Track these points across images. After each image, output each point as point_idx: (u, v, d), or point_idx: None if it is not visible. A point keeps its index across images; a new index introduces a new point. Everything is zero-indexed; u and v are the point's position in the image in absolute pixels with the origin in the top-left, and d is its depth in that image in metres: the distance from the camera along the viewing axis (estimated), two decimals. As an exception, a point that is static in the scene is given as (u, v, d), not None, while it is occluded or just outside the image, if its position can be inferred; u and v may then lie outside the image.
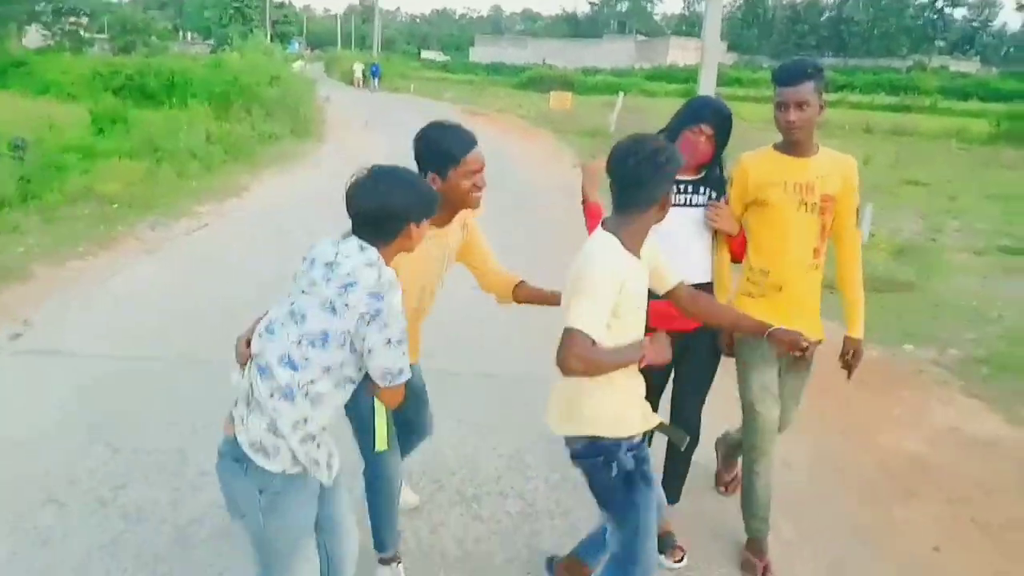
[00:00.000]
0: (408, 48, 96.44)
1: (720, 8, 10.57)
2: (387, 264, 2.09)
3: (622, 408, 2.31)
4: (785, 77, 2.79)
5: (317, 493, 2.19)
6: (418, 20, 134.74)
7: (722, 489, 3.66)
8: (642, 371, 2.39)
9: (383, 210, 2.08)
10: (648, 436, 2.63)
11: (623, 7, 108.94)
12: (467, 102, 31.28)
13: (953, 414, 4.62)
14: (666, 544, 3.08)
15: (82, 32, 51.44)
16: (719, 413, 3.40)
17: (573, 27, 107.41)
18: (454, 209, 2.56)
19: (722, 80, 49.39)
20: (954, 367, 5.30)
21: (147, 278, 6.67)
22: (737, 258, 3.10)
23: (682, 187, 2.94)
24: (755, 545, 3.11)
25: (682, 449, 2.92)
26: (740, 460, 3.30)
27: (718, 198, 3.01)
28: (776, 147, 2.94)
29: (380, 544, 2.78)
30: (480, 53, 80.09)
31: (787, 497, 3.42)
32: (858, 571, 3.15)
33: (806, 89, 2.75)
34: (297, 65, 29.10)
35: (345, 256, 2.05)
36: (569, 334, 2.11)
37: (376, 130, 19.57)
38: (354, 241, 2.08)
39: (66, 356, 4.86)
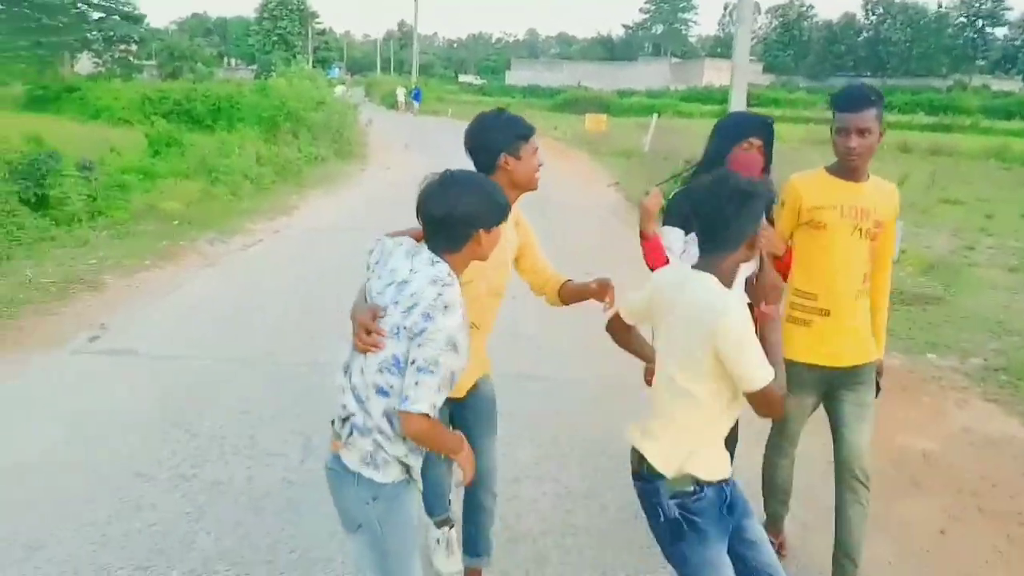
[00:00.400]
0: (445, 72, 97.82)
1: (750, 31, 10.89)
2: (459, 274, 2.05)
3: (674, 446, 2.16)
4: (847, 103, 2.75)
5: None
6: (455, 45, 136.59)
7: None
8: None
9: (452, 216, 2.01)
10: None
11: (658, 29, 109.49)
12: (504, 125, 31.77)
13: (969, 416, 4.84)
14: None
15: (131, 59, 53.54)
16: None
17: (608, 50, 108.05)
18: (520, 191, 2.61)
19: (758, 101, 49.51)
20: (974, 374, 5.51)
21: (209, 289, 7.18)
22: (784, 273, 3.00)
23: None
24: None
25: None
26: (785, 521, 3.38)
27: (767, 215, 2.92)
28: (829, 170, 2.90)
29: (428, 510, 3.11)
30: (516, 76, 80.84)
31: (806, 486, 3.69)
32: (870, 551, 3.42)
33: (868, 116, 2.72)
34: (339, 90, 29.88)
35: (414, 272, 2.01)
36: (769, 389, 2.04)
37: (416, 152, 20.15)
38: (425, 255, 2.04)
39: (140, 356, 5.33)
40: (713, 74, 67.78)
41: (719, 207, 2.12)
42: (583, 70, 78.31)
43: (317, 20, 79.03)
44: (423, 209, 2.05)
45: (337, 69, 75.94)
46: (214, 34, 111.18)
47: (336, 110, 20.88)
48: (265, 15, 76.55)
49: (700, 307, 2.09)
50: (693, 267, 2.21)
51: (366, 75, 79.67)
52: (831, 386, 3.00)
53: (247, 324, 6.09)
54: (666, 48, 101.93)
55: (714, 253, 2.15)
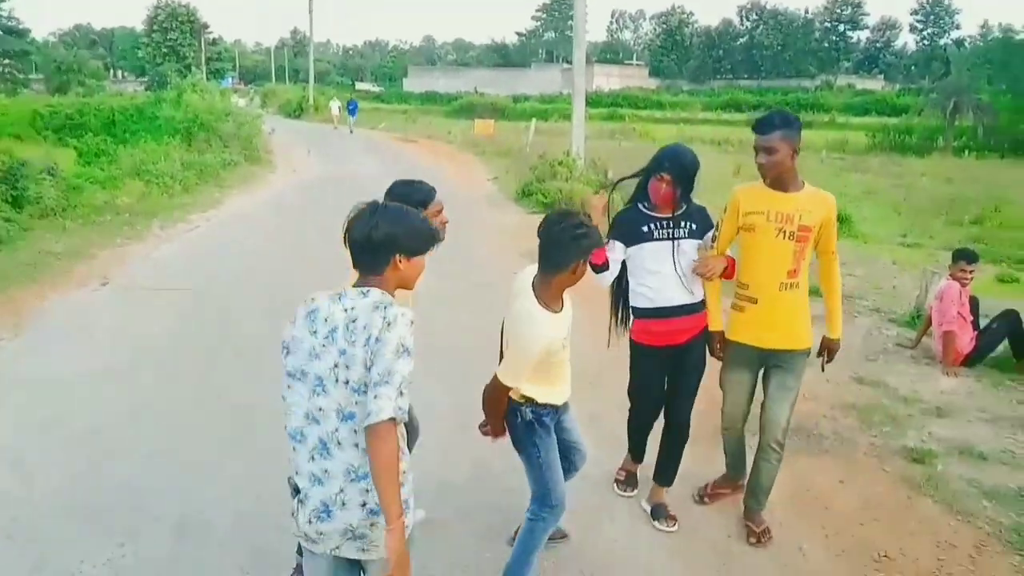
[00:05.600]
0: (342, 80, 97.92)
1: (585, 40, 13.50)
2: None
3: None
4: (757, 127, 3.29)
5: None
6: (351, 52, 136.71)
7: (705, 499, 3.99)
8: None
9: (370, 240, 2.09)
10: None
11: (550, 36, 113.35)
12: (400, 131, 34.22)
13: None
14: (659, 514, 3.79)
15: (17, 73, 52.70)
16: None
17: (504, 56, 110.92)
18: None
19: (644, 104, 52.49)
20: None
21: (174, 253, 9.67)
22: (728, 277, 3.56)
23: (664, 223, 3.50)
24: (750, 516, 3.74)
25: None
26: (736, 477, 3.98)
27: (699, 227, 3.53)
28: (765, 183, 3.38)
29: None
30: (414, 83, 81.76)
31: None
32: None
33: (773, 138, 3.22)
34: (241, 102, 31.44)
35: (353, 309, 2.07)
36: (494, 377, 2.80)
37: (317, 157, 22.35)
38: (351, 291, 2.12)
39: (142, 291, 7.80)
40: (602, 79, 70.41)
41: (556, 238, 2.73)
42: (480, 76, 79.42)
43: (208, 30, 78.73)
44: (349, 234, 2.15)
45: (230, 79, 75.54)
46: (99, 46, 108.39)
47: (243, 120, 22.79)
48: (155, 27, 75.80)
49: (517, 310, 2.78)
50: (534, 278, 2.81)
51: (261, 84, 79.26)
52: (764, 366, 3.58)
53: (211, 268, 8.67)
54: (558, 54, 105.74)
55: (547, 271, 2.77)
